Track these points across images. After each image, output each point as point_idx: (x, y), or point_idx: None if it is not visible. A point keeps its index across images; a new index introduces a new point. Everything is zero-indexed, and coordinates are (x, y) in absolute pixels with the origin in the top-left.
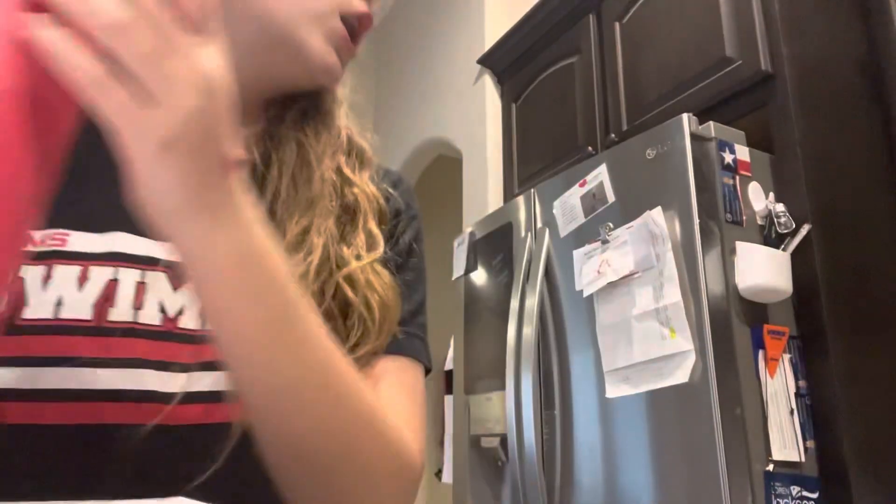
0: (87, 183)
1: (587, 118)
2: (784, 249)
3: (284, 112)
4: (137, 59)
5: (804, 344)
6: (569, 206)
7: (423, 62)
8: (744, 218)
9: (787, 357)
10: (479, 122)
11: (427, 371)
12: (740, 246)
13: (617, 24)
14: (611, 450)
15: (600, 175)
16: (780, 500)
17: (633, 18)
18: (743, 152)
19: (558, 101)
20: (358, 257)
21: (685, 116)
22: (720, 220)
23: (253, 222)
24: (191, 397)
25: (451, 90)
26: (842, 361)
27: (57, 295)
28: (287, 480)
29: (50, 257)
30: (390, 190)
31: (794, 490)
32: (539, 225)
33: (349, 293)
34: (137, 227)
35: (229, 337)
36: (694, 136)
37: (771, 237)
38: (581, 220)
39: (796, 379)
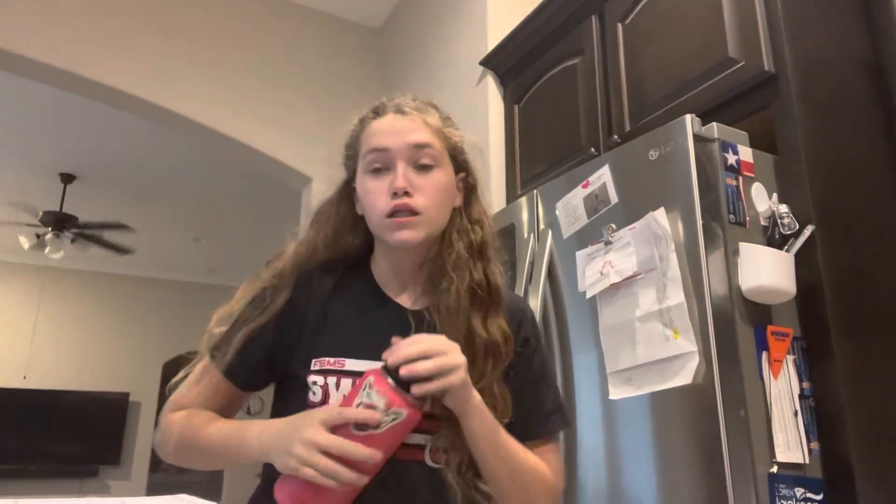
0: (359, 330)
1: (590, 119)
2: (787, 250)
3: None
4: (439, 356)
5: (808, 345)
6: (571, 208)
7: (425, 64)
8: (747, 219)
9: (790, 358)
10: (481, 123)
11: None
12: (743, 247)
13: (619, 26)
14: (614, 451)
15: (603, 176)
16: (784, 502)
17: (635, 20)
18: (746, 153)
19: (561, 103)
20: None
21: (688, 117)
22: (723, 221)
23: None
24: (433, 449)
25: (453, 92)
26: (846, 362)
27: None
28: (501, 496)
29: (337, 374)
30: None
31: (799, 492)
32: (542, 226)
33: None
34: (374, 356)
35: (482, 456)
36: (697, 137)
37: (774, 238)
38: (584, 221)
39: (800, 380)
